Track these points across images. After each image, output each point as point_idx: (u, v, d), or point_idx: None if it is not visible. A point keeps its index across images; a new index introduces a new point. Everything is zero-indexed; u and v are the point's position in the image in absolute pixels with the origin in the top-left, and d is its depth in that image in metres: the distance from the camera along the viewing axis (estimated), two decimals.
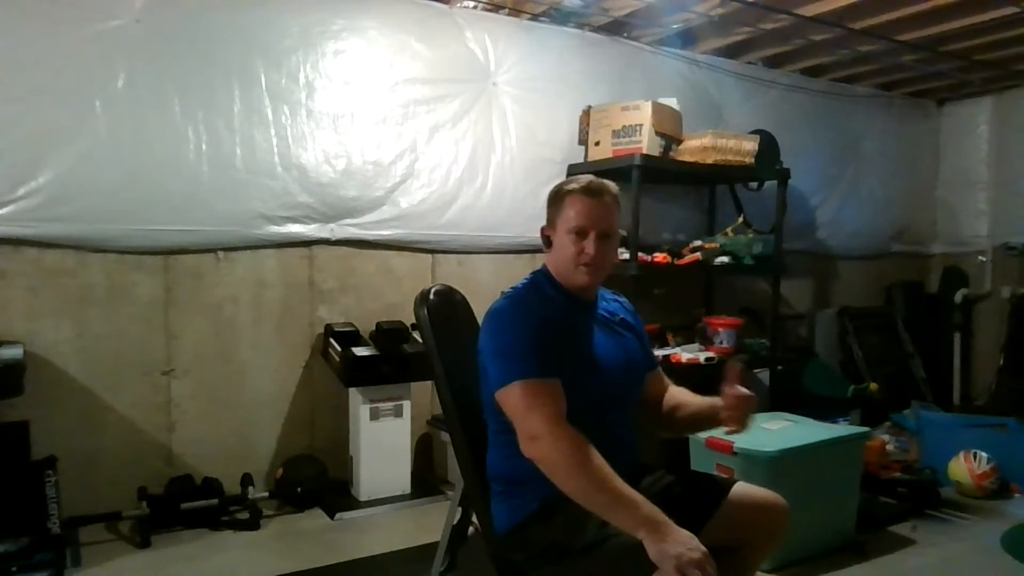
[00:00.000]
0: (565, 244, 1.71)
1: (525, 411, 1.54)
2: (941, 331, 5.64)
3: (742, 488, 1.76)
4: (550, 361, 1.59)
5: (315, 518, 3.36)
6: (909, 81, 5.36)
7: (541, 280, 1.78)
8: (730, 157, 4.13)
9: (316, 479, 3.47)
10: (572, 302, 1.75)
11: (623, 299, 1.94)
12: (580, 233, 1.70)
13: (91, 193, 3.11)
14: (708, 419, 1.81)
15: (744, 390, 1.71)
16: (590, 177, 1.75)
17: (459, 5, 3.93)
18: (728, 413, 1.72)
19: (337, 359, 3.45)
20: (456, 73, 3.90)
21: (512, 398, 1.56)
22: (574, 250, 1.70)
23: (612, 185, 1.75)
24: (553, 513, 1.58)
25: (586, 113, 4.27)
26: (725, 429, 1.76)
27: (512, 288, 1.78)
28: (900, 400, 4.92)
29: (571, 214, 1.70)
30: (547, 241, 1.78)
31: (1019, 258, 5.44)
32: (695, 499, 1.72)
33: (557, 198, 1.76)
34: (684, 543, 1.39)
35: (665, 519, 1.44)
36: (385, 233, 3.78)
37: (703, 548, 1.39)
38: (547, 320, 1.65)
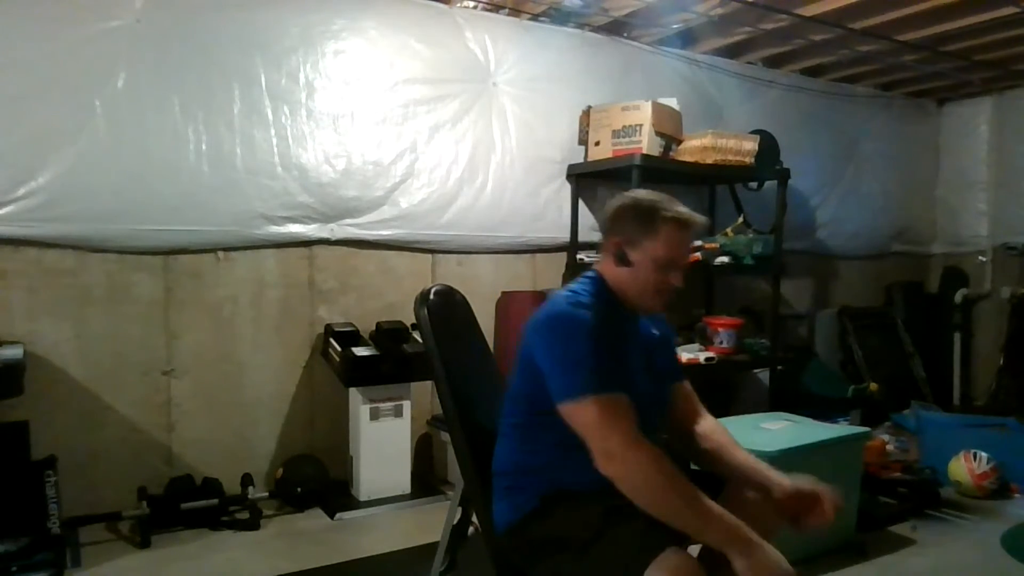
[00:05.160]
0: (649, 271, 1.64)
1: (600, 429, 1.49)
2: (941, 331, 5.64)
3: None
4: (616, 375, 1.55)
5: (315, 518, 3.35)
6: (909, 81, 5.36)
7: (601, 289, 1.69)
8: (730, 157, 4.13)
9: (316, 479, 3.47)
10: (625, 315, 1.71)
11: None
12: (670, 265, 1.65)
13: (91, 193, 3.11)
14: (753, 487, 1.72)
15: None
16: (678, 204, 1.67)
17: (459, 5, 3.93)
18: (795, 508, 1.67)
19: (337, 359, 3.45)
20: (456, 73, 3.91)
21: (584, 414, 1.51)
22: (659, 279, 1.65)
23: (700, 216, 1.70)
24: (552, 509, 1.59)
25: (586, 113, 4.27)
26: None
27: (569, 291, 1.68)
28: (900, 400, 4.92)
29: (666, 245, 1.63)
30: (623, 257, 1.67)
31: (1019, 258, 5.44)
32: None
33: (650, 220, 1.64)
34: (774, 563, 1.40)
35: (755, 536, 1.43)
36: (385, 233, 3.78)
37: (792, 570, 1.41)
38: (610, 333, 1.60)
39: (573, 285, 1.70)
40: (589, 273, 1.75)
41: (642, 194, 1.72)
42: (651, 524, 1.47)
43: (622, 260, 1.67)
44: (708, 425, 1.81)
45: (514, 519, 1.65)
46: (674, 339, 1.89)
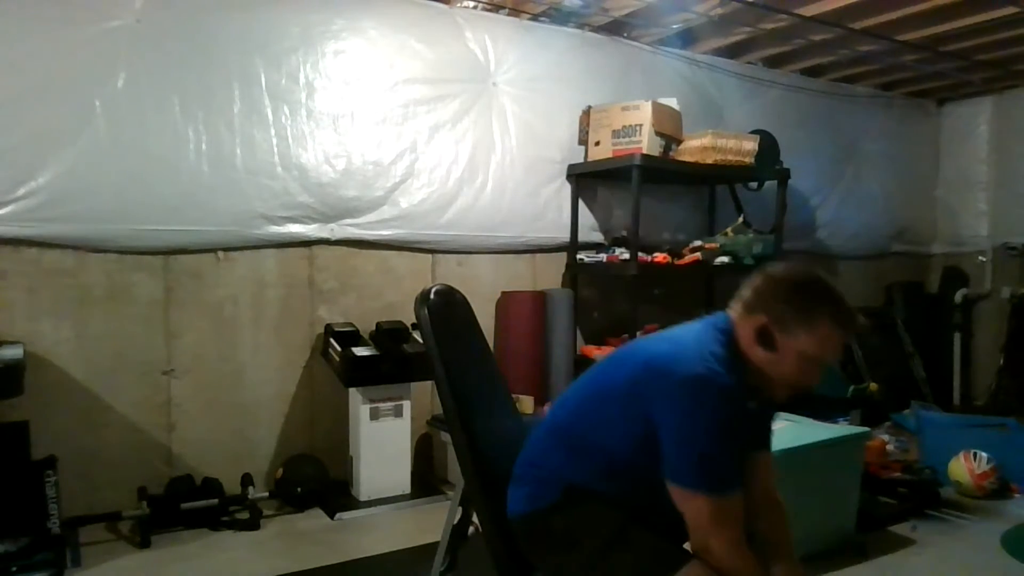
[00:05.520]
0: (792, 363, 1.48)
1: (707, 526, 1.43)
2: (941, 331, 5.64)
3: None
4: (735, 464, 1.47)
5: (315, 518, 3.35)
6: (909, 81, 5.36)
7: (737, 359, 1.51)
8: (730, 157, 4.14)
9: (316, 479, 3.47)
10: (749, 390, 1.54)
11: None
12: (816, 363, 1.50)
13: (91, 193, 3.11)
14: None
15: None
16: (841, 295, 1.52)
17: (459, 5, 3.93)
18: None
19: (337, 359, 3.45)
20: (456, 73, 3.91)
21: (694, 508, 1.44)
22: (799, 374, 1.50)
23: (862, 318, 1.56)
24: (575, 504, 1.57)
25: (586, 113, 4.27)
26: None
27: (710, 352, 1.46)
28: (900, 400, 4.92)
29: (821, 343, 1.47)
30: (768, 340, 1.48)
31: (1019, 258, 5.44)
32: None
33: (810, 311, 1.46)
34: None
35: None
36: (385, 233, 3.78)
37: None
38: (744, 419, 1.49)
39: (709, 341, 1.50)
40: (723, 325, 1.54)
41: (806, 276, 1.53)
42: (674, 536, 1.47)
43: (765, 342, 1.48)
44: (778, 520, 1.70)
45: (532, 509, 1.64)
46: (775, 414, 1.72)
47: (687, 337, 1.53)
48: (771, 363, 1.49)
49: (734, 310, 1.55)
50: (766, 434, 1.72)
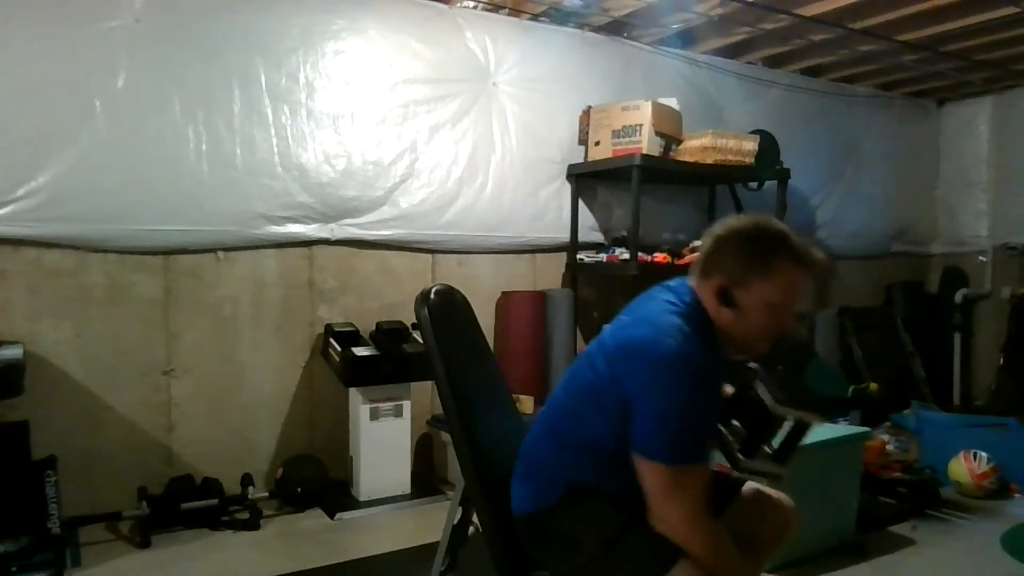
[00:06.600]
0: (760, 316, 1.47)
1: (664, 496, 1.43)
2: (941, 331, 5.65)
3: (753, 486, 1.78)
4: (705, 439, 1.47)
5: (315, 518, 3.35)
6: (909, 81, 5.37)
7: (706, 325, 1.50)
8: (730, 157, 4.14)
9: (316, 479, 3.47)
10: (719, 353, 1.54)
11: None
12: (785, 309, 1.48)
13: (91, 193, 3.11)
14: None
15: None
16: (795, 235, 1.48)
17: (459, 5, 3.93)
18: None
19: (337, 359, 3.45)
20: (456, 73, 3.91)
21: (654, 476, 1.42)
22: (770, 324, 1.49)
23: (820, 253, 1.53)
24: (576, 503, 1.57)
25: (586, 113, 4.28)
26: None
27: (678, 329, 1.44)
28: (900, 400, 4.92)
29: (783, 288, 1.45)
30: (729, 299, 1.47)
31: (1019, 258, 5.45)
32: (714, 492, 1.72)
33: (763, 259, 1.45)
34: None
35: None
36: (385, 233, 3.78)
37: None
38: (714, 389, 1.50)
39: (676, 316, 1.47)
40: (687, 296, 1.52)
41: (753, 225, 1.49)
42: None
43: (727, 303, 1.47)
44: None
45: (536, 508, 1.63)
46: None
47: (655, 316, 1.50)
48: (740, 321, 1.48)
49: (692, 276, 1.55)
50: None
